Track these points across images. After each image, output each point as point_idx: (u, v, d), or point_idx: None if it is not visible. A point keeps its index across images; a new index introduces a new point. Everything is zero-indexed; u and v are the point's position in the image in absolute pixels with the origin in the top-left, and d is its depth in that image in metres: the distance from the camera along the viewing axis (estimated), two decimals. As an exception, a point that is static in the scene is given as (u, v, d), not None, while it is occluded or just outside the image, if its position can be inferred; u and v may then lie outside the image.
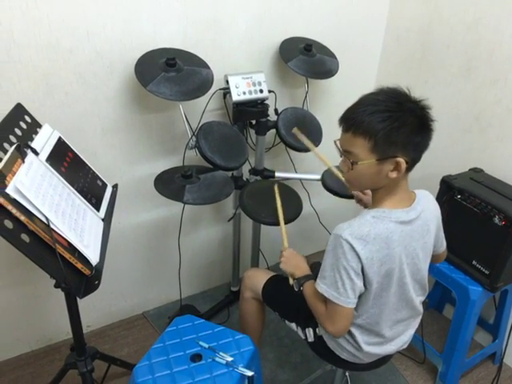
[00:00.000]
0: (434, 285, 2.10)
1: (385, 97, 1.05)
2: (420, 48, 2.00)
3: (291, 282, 1.31)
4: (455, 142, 1.93)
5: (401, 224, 1.10)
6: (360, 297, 1.14)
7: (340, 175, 1.54)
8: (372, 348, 1.25)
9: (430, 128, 1.07)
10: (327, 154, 1.73)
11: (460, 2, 1.79)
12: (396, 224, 1.09)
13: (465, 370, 1.86)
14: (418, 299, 1.26)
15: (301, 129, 1.72)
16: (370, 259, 1.07)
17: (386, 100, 1.04)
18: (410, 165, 1.08)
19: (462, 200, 1.64)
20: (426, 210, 1.16)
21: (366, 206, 1.46)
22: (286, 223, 1.47)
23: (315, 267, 1.27)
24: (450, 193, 1.67)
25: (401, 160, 1.04)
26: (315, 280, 1.18)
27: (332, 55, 1.92)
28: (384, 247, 1.08)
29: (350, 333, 1.23)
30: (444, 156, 1.96)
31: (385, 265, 1.10)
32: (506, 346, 1.89)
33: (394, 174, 1.06)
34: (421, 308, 1.29)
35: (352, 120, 1.06)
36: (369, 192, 1.45)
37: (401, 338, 1.29)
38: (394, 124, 1.01)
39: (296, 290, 1.27)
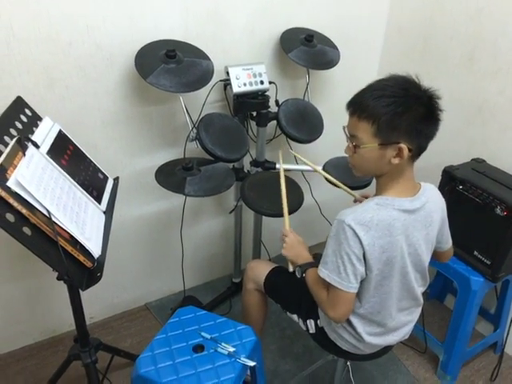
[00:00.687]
0: (435, 275, 2.11)
1: (393, 82, 1.06)
2: (422, 39, 1.98)
3: (291, 269, 1.31)
4: (458, 133, 1.92)
5: (404, 212, 1.10)
6: (361, 285, 1.14)
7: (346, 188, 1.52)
8: (374, 339, 1.26)
9: (436, 117, 1.06)
10: (329, 144, 1.73)
11: (462, -9, 1.77)
12: (399, 212, 1.09)
13: (466, 360, 1.87)
14: (419, 289, 1.26)
15: (300, 121, 1.72)
16: (372, 245, 1.07)
17: (393, 86, 1.04)
18: (415, 153, 1.08)
19: (463, 190, 1.64)
20: (431, 201, 1.16)
21: None
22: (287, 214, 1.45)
23: (317, 258, 1.27)
24: (451, 183, 1.67)
25: (403, 146, 1.04)
26: (317, 267, 1.18)
27: (333, 46, 1.90)
28: (386, 234, 1.08)
29: (351, 324, 1.23)
30: (446, 146, 1.94)
31: (386, 252, 1.10)
32: (507, 335, 1.90)
33: (396, 160, 1.06)
34: (421, 298, 1.30)
35: (358, 104, 1.07)
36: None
37: (403, 329, 1.30)
38: (397, 109, 1.01)
39: (298, 276, 1.27)
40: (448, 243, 1.31)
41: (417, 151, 1.08)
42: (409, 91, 1.03)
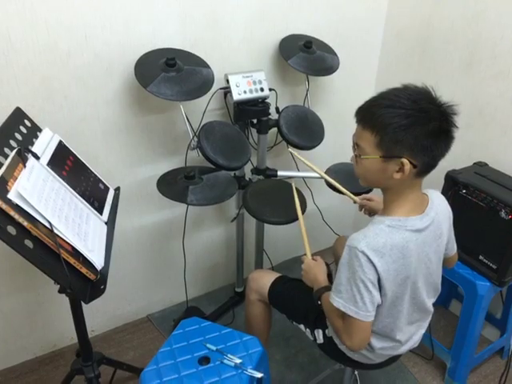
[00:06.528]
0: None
1: (404, 93, 0.98)
2: (420, 43, 1.98)
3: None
4: (459, 137, 1.88)
5: (416, 232, 1.06)
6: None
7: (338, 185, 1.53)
8: (385, 350, 1.23)
9: (447, 134, 0.99)
10: (330, 150, 1.72)
11: (460, -4, 1.78)
12: (411, 232, 1.05)
13: (473, 366, 1.85)
14: (430, 301, 1.23)
15: (301, 128, 1.72)
16: (387, 271, 1.03)
17: (404, 96, 0.97)
18: (421, 170, 1.01)
19: (467, 194, 1.63)
20: (440, 213, 1.12)
21: (370, 212, 1.44)
22: (290, 222, 1.44)
23: (330, 277, 1.25)
24: (455, 188, 1.66)
25: (405, 161, 0.97)
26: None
27: (332, 52, 1.90)
28: (400, 257, 1.04)
29: None
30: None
31: (400, 274, 1.06)
32: (515, 340, 1.88)
33: (398, 176, 1.00)
34: (432, 308, 1.27)
35: (364, 112, 1.02)
36: (376, 198, 1.43)
37: (412, 338, 1.27)
38: (402, 122, 0.95)
39: (316, 304, 1.24)
40: (454, 249, 1.28)
41: (423, 168, 1.01)
42: (419, 104, 0.96)
